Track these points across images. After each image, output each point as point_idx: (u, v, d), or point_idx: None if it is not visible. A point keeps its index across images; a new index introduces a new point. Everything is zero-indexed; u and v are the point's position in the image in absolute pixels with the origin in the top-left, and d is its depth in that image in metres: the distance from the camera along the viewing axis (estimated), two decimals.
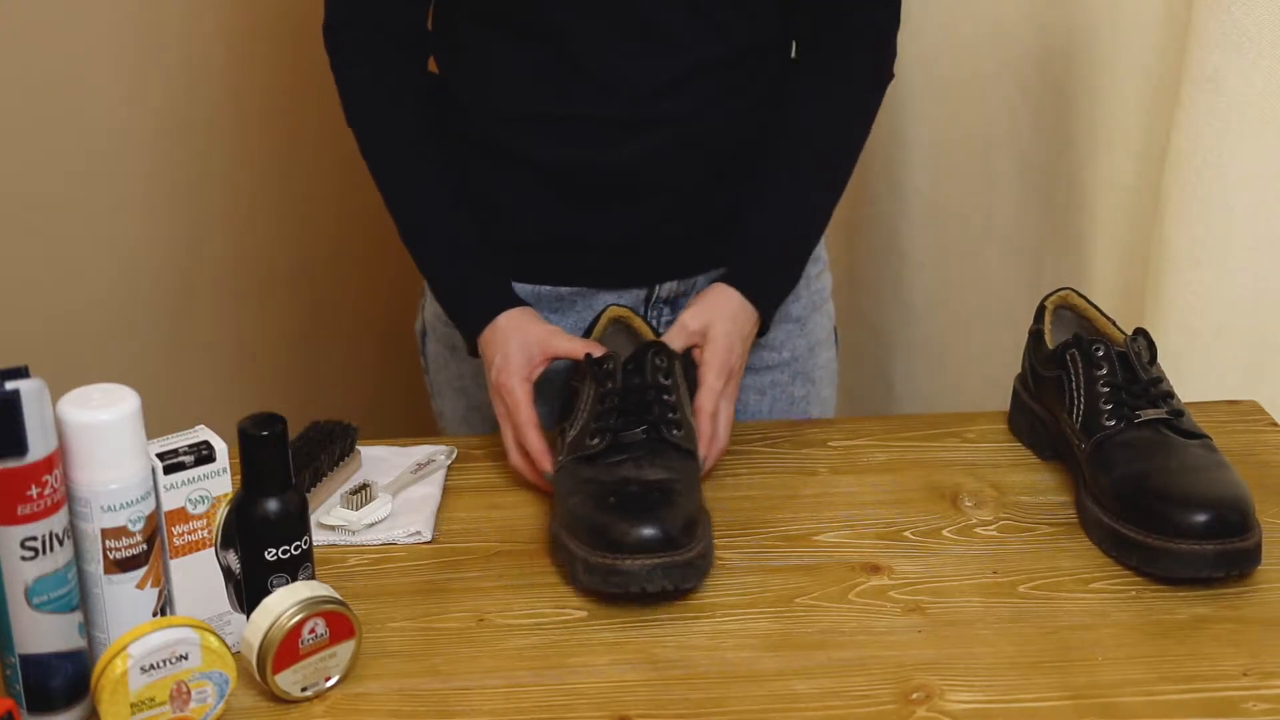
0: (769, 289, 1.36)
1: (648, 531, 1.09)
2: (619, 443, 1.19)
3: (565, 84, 1.34)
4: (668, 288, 1.44)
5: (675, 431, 1.20)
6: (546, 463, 1.24)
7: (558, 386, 1.42)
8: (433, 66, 1.42)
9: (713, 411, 1.26)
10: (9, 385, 0.89)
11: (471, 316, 1.33)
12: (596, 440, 1.19)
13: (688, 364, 1.29)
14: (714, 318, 1.30)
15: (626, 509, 1.11)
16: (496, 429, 1.30)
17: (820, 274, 1.51)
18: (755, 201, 1.36)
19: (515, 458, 1.27)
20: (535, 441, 1.25)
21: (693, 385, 1.28)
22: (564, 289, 1.43)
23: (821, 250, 1.51)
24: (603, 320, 1.35)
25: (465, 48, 1.38)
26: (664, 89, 1.34)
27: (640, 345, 1.25)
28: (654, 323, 1.43)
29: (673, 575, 1.08)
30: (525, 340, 1.29)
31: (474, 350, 1.34)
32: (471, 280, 1.35)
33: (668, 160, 1.36)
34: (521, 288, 1.38)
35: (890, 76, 1.41)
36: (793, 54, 1.42)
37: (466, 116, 1.39)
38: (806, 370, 1.51)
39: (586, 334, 1.35)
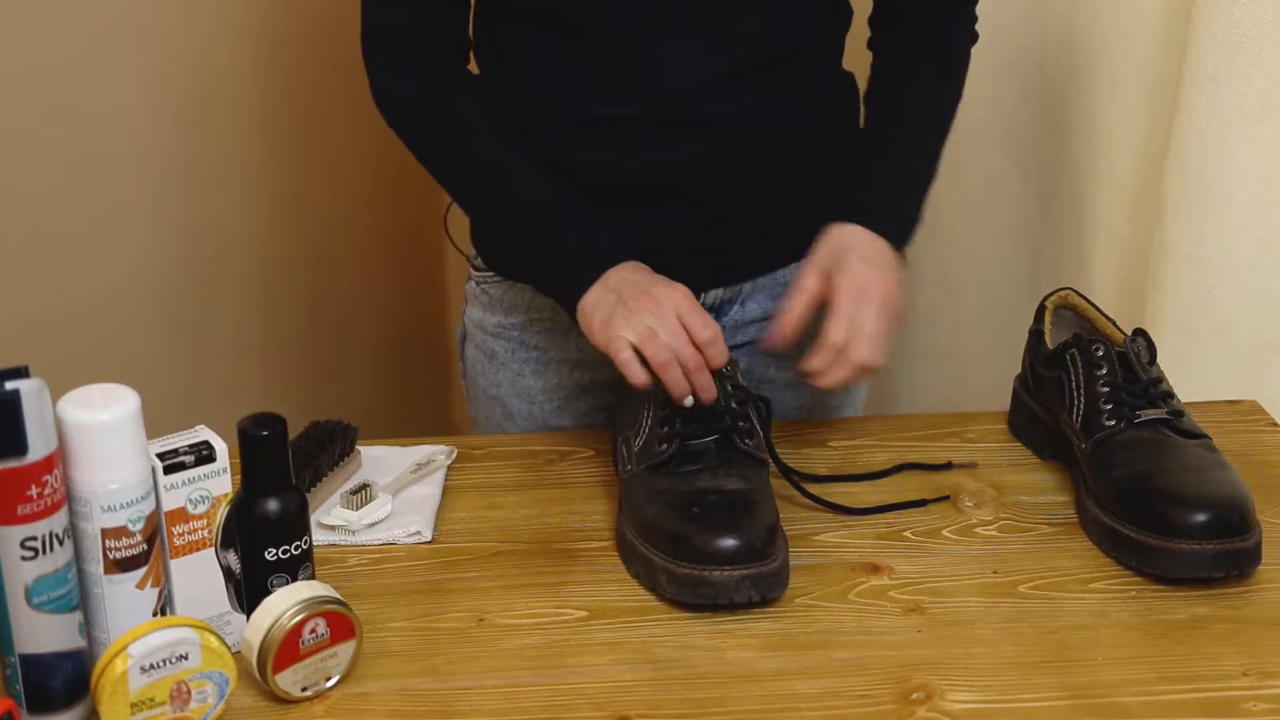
0: (887, 214, 1.32)
1: (732, 542, 1.08)
2: (688, 450, 1.18)
3: (608, 85, 1.30)
4: (714, 295, 1.40)
5: (747, 441, 1.19)
6: (710, 382, 1.18)
7: (569, 388, 1.41)
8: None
9: (841, 342, 1.20)
10: (9, 385, 0.89)
11: (599, 255, 1.25)
12: (665, 446, 1.18)
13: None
14: (830, 259, 1.24)
15: (710, 519, 1.11)
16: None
17: None
18: (864, 149, 1.35)
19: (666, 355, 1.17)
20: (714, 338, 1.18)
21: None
22: None
23: None
24: None
25: (506, 51, 1.34)
26: (708, 90, 1.30)
27: None
28: None
29: (760, 586, 1.08)
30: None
31: (575, 303, 1.24)
32: (592, 226, 1.29)
33: (712, 164, 1.33)
34: None
35: (973, 37, 1.42)
36: (855, 39, 1.40)
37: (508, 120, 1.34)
38: None
39: None
